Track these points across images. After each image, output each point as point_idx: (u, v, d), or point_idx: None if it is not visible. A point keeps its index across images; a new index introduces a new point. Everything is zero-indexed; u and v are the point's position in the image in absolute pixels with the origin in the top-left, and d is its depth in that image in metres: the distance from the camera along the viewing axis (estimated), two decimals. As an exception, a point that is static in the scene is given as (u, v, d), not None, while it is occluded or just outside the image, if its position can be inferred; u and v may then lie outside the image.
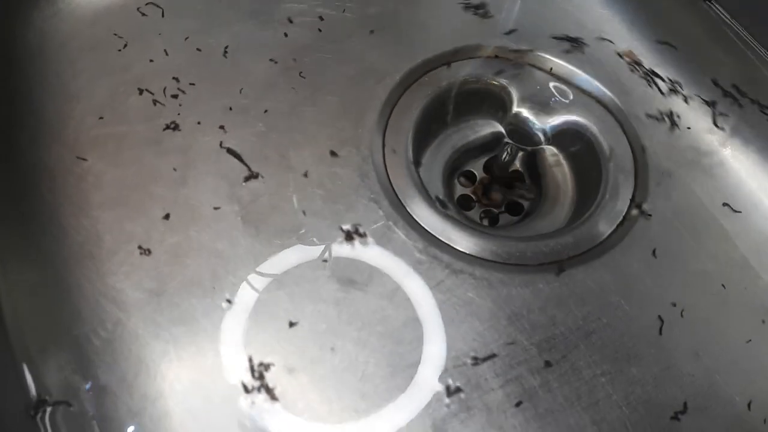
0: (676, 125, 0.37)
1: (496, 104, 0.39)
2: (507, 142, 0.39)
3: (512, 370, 0.29)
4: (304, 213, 0.32)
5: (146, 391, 0.28)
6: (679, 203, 0.34)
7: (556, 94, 0.38)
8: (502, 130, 0.40)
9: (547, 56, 0.39)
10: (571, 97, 0.38)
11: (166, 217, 0.32)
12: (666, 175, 0.35)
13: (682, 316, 0.31)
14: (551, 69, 0.39)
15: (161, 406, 0.28)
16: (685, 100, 0.37)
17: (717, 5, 0.38)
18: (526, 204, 0.40)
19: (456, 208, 0.39)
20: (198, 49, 0.37)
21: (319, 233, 0.32)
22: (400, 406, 0.29)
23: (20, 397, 0.27)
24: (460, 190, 0.41)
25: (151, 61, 0.36)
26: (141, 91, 0.35)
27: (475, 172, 0.41)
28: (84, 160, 0.32)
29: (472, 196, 0.41)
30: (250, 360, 0.29)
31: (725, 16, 0.38)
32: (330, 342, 0.30)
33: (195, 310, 0.30)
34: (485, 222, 0.40)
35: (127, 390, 0.28)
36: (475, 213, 0.40)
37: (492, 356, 0.30)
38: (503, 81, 0.38)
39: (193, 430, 0.28)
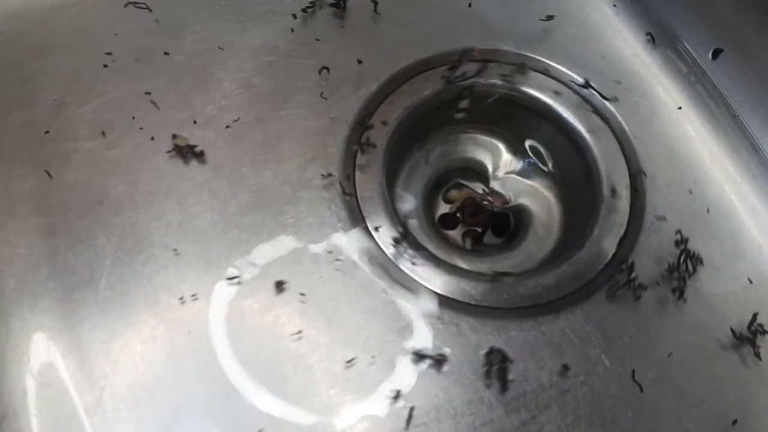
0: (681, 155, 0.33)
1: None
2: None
3: (475, 431, 0.27)
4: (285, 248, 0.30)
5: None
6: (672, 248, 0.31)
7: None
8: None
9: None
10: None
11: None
12: (661, 219, 0.31)
13: (666, 375, 0.28)
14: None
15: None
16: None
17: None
18: (512, 223, 0.37)
19: (435, 229, 0.36)
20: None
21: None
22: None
23: None
24: (443, 207, 0.38)
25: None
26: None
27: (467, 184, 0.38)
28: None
29: (458, 215, 0.38)
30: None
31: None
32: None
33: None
34: (467, 243, 0.37)
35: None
36: (457, 233, 0.37)
37: (455, 414, 0.28)
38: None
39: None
